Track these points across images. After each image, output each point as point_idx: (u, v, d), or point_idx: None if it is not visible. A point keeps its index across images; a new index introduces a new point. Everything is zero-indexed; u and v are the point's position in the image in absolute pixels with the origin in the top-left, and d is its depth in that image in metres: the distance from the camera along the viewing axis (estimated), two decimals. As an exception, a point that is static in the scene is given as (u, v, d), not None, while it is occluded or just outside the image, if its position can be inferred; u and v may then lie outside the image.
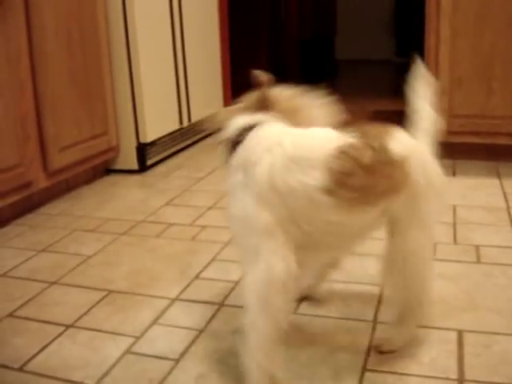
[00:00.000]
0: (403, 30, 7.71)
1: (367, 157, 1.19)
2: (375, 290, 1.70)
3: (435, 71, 2.93)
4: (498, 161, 2.95)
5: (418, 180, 1.26)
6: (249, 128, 1.29)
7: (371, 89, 6.08)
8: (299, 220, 1.20)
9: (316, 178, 1.16)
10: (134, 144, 2.97)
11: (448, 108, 2.94)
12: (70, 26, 2.56)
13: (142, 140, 2.97)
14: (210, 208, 2.42)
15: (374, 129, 1.30)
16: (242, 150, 1.27)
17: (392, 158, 1.22)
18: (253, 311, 1.20)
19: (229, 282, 1.78)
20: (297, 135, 1.25)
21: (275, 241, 1.17)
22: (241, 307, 1.59)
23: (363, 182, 1.18)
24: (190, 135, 3.49)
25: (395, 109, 4.55)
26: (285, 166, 1.19)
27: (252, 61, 5.04)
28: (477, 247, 1.97)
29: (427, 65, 2.98)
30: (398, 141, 1.26)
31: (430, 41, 2.96)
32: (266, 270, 1.16)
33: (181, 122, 3.30)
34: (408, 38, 7.09)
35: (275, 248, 1.17)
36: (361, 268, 1.84)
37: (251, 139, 1.27)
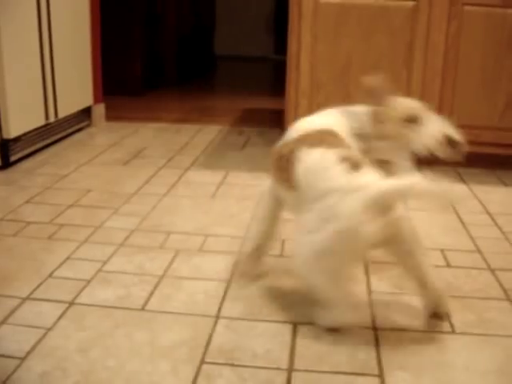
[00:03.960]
0: (282, 28, 7.91)
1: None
2: (221, 286, 1.80)
3: (296, 75, 3.08)
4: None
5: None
6: None
7: (249, 86, 6.22)
8: None
9: None
10: (-4, 140, 2.91)
11: (308, 110, 3.09)
12: None
13: (6, 136, 2.92)
14: (70, 206, 2.43)
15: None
16: None
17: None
18: None
19: (81, 280, 1.81)
20: None
21: None
22: (90, 305, 1.66)
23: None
24: (57, 131, 3.45)
25: (271, 107, 4.71)
26: None
27: (126, 56, 5.04)
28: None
29: (289, 69, 3.13)
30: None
31: (292, 46, 3.10)
32: None
33: (47, 117, 3.26)
34: (287, 36, 7.30)
35: None
36: (209, 264, 1.94)
37: None
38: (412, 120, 1.67)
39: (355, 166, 1.47)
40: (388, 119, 1.69)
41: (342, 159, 1.48)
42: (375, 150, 1.70)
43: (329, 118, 1.74)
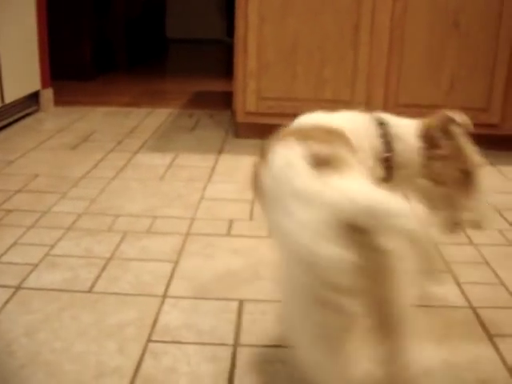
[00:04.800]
0: (234, 11, 7.89)
1: None
2: (168, 266, 1.82)
3: (244, 57, 3.09)
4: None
5: None
6: None
7: (201, 69, 6.21)
8: None
9: None
10: None
11: (256, 91, 3.12)
12: None
13: (-50, 122, 2.88)
14: (17, 192, 2.41)
15: None
16: None
17: None
18: None
19: (28, 264, 1.81)
20: None
21: None
22: (37, 289, 1.66)
23: None
24: (4, 116, 3.40)
25: (222, 89, 4.71)
26: None
27: (76, 40, 4.97)
28: (270, 223, 2.14)
29: (237, 50, 3.14)
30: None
31: (239, 27, 3.11)
32: None
33: (-8, 102, 3.22)
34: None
35: None
36: (156, 245, 1.96)
37: None
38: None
39: (325, 163, 1.05)
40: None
41: (311, 154, 1.07)
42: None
43: (348, 119, 1.37)
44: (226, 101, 4.11)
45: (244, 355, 1.40)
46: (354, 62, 3.07)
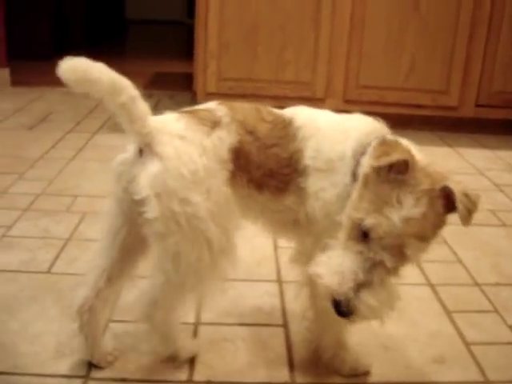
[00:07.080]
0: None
1: None
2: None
3: (204, 36, 3.06)
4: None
5: None
6: None
7: (161, 50, 6.14)
8: None
9: None
10: None
11: (217, 71, 3.10)
12: None
13: None
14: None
15: None
16: None
17: None
18: None
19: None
20: None
21: None
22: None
23: None
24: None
25: (183, 71, 4.67)
26: None
27: (33, 19, 4.85)
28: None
29: (197, 29, 3.10)
30: None
31: (200, 7, 3.07)
32: None
33: None
34: None
35: None
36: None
37: None
38: None
39: None
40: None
41: None
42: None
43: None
44: (186, 82, 4.07)
45: (206, 333, 1.40)
46: (315, 43, 3.07)
